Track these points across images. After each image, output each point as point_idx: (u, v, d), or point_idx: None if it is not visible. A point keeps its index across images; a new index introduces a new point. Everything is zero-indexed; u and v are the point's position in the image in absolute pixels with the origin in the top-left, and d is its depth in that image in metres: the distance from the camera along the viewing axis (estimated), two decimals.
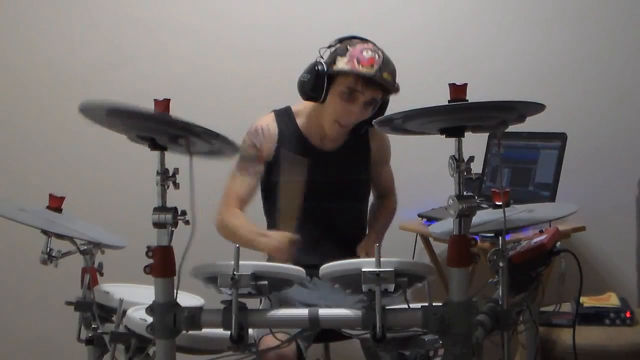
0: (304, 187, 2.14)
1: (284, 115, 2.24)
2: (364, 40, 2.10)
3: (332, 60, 2.07)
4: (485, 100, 1.37)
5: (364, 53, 2.04)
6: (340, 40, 2.12)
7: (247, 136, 2.19)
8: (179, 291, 1.49)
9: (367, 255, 2.09)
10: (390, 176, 2.39)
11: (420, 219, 2.73)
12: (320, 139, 2.22)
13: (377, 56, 2.05)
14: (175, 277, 1.48)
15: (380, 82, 2.04)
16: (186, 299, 1.50)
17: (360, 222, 2.31)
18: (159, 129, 1.46)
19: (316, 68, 2.07)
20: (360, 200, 2.29)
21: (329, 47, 2.12)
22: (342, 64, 2.05)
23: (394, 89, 2.10)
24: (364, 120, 2.15)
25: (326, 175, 2.19)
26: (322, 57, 2.10)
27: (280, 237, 2.00)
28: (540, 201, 2.52)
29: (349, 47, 2.07)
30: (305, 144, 2.21)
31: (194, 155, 1.47)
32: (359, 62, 2.03)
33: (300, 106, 2.24)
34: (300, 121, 2.23)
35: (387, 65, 2.06)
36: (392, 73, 2.08)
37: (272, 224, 2.26)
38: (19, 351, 2.88)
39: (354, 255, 2.17)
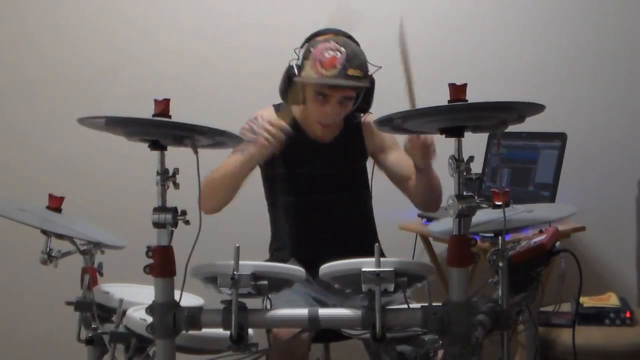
0: (304, 180, 2.16)
1: (283, 109, 2.24)
2: (326, 37, 2.07)
3: (301, 64, 2.08)
4: (485, 101, 1.37)
5: (326, 54, 2.02)
6: (308, 39, 2.12)
7: (246, 123, 2.18)
8: (178, 291, 1.49)
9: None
10: (407, 159, 2.35)
11: (420, 219, 2.73)
12: (317, 131, 2.23)
13: (338, 54, 2.02)
14: (176, 277, 1.48)
15: (345, 84, 2.03)
16: (186, 299, 1.50)
17: (361, 211, 2.31)
18: (163, 132, 1.46)
19: (289, 74, 2.10)
20: (359, 189, 2.29)
21: (302, 46, 2.12)
22: (307, 68, 2.05)
23: (365, 82, 2.07)
24: (355, 109, 2.18)
25: (325, 166, 2.21)
26: (298, 57, 2.11)
27: (262, 127, 1.98)
28: (540, 201, 2.52)
29: (311, 49, 2.06)
30: (303, 136, 2.22)
31: (198, 147, 1.48)
32: (322, 65, 2.02)
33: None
34: (297, 115, 2.23)
35: (352, 60, 2.03)
36: (360, 67, 2.05)
37: (275, 217, 2.27)
38: (19, 351, 2.88)
39: (357, 247, 2.18)
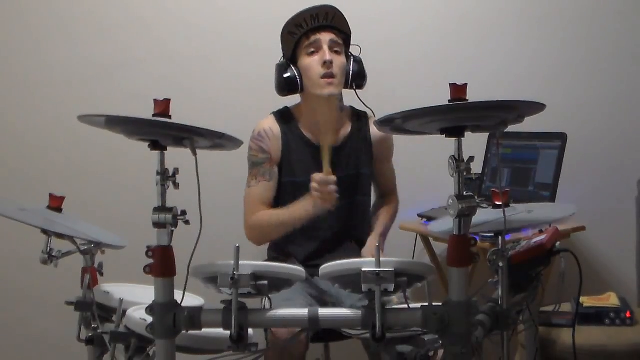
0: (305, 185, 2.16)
1: (284, 116, 2.25)
2: None
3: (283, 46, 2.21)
4: (485, 100, 1.37)
5: (299, 13, 2.16)
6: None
7: (252, 142, 2.20)
8: (178, 291, 1.49)
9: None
10: (392, 174, 2.40)
11: (420, 219, 2.73)
12: (325, 91, 2.22)
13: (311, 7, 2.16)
14: (177, 277, 1.48)
15: (324, 14, 2.13)
16: (186, 299, 1.50)
17: (365, 217, 2.31)
18: (162, 132, 1.47)
19: (278, 65, 2.20)
20: (363, 194, 2.30)
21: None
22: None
23: (344, 22, 2.16)
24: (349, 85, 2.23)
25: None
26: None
27: (318, 188, 2.03)
28: (540, 201, 2.52)
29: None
30: (307, 141, 2.22)
31: (196, 149, 1.48)
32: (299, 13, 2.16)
33: (297, 106, 2.26)
34: (299, 119, 2.24)
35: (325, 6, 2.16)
36: (334, 8, 2.15)
37: None
38: (19, 351, 2.88)
39: (358, 251, 2.19)
